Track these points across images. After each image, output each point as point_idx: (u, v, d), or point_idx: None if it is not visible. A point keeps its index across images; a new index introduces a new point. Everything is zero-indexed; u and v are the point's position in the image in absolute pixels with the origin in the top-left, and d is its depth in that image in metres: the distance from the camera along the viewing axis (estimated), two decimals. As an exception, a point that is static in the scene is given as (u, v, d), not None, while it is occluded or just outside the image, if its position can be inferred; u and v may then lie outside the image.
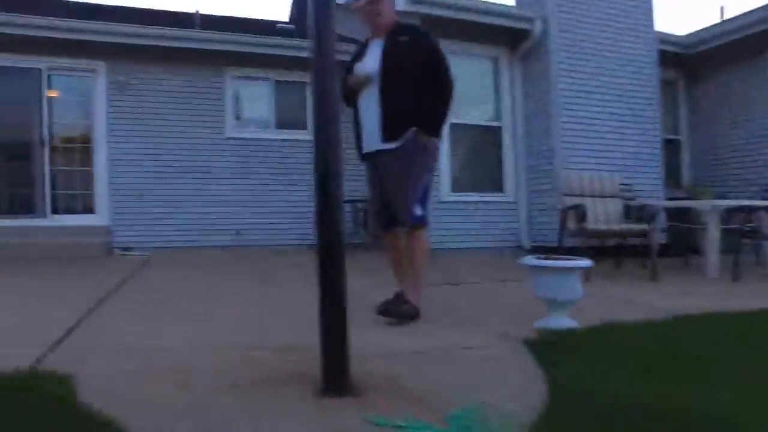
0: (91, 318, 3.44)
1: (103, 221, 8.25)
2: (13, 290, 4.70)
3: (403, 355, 2.75)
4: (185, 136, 8.57)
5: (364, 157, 3.75)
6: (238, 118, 8.91)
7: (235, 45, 8.51)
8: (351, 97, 3.67)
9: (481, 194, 8.23)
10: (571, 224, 6.06)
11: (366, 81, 3.54)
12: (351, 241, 7.86)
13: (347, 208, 8.43)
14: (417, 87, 3.47)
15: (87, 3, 10.62)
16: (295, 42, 8.77)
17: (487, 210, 8.16)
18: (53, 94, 8.28)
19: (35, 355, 2.52)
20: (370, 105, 3.56)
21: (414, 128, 3.45)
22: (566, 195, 6.42)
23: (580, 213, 5.85)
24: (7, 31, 7.60)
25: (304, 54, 8.78)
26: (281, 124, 9.11)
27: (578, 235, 5.89)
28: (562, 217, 6.18)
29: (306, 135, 9.09)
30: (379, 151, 3.56)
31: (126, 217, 8.33)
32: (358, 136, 3.71)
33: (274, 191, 8.87)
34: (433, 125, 3.56)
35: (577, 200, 6.23)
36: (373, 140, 3.57)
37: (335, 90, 2.26)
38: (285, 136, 9.04)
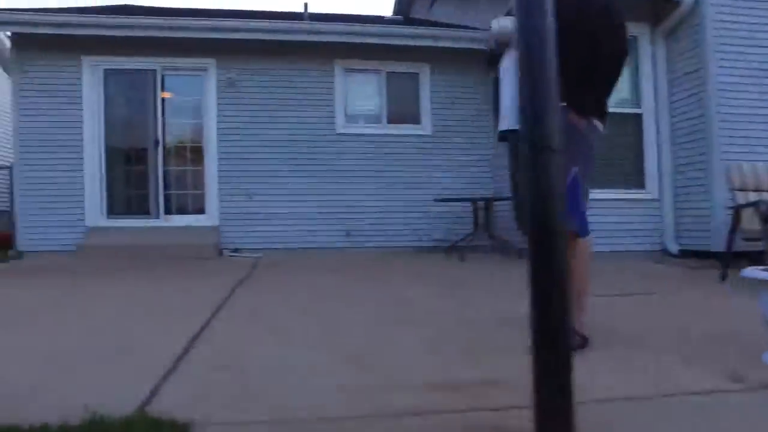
0: (207, 335, 3.00)
1: (213, 221, 8.10)
2: (121, 296, 4.44)
3: (613, 401, 2.04)
4: (294, 134, 8.26)
5: (502, 137, 3.09)
6: (348, 113, 8.47)
7: (345, 36, 8.07)
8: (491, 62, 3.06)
9: (616, 191, 7.24)
10: (747, 224, 5.04)
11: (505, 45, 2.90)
12: (474, 243, 7.27)
13: (465, 207, 7.77)
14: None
15: (192, 8, 10.66)
16: (408, 30, 8.23)
17: (624, 209, 7.18)
18: (167, 94, 8.24)
19: (146, 389, 2.06)
20: (509, 75, 2.91)
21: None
22: (737, 190, 5.39)
23: (764, 211, 4.81)
24: (127, 33, 7.63)
25: (418, 42, 8.48)
26: (393, 119, 8.58)
27: (761, 238, 4.86)
28: (735, 216, 5.16)
29: (419, 130, 8.55)
30: (516, 131, 2.86)
31: (235, 217, 8.13)
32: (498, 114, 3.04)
33: (386, 190, 8.35)
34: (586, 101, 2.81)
35: (752, 196, 5.19)
36: (512, 117, 2.89)
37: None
38: (397, 131, 8.50)
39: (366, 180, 8.33)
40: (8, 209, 7.97)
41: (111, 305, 3.97)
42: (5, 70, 8.07)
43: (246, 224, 8.11)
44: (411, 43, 8.12)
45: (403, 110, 8.61)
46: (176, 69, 8.23)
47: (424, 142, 8.48)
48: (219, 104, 8.16)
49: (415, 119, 8.51)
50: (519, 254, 6.92)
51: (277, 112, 8.23)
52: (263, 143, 8.20)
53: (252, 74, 8.23)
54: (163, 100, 8.18)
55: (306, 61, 8.32)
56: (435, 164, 8.46)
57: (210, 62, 8.17)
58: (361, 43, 8.10)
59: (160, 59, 8.10)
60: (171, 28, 7.69)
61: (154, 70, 8.13)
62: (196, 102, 8.33)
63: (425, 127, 8.53)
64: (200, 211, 8.22)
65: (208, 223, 8.09)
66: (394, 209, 8.32)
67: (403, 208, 8.31)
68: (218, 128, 8.15)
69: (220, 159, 8.13)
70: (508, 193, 7.76)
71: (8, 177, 8.01)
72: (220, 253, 7.88)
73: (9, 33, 7.81)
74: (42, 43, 7.80)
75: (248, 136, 8.18)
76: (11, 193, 7.96)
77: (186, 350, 2.65)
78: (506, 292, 4.07)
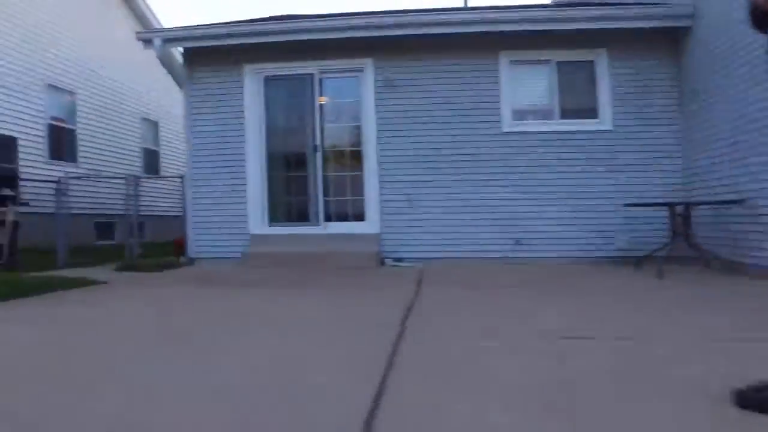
0: (395, 380, 2.43)
1: (373, 229, 7.76)
2: (293, 317, 4.09)
3: None
4: (456, 134, 7.67)
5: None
6: (515, 109, 7.69)
7: (510, 24, 7.32)
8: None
9: None
10: None
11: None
12: (671, 254, 6.17)
13: (656, 213, 6.70)
14: None
15: (345, 12, 10.49)
16: (581, 13, 7.26)
17: None
18: (323, 99, 8.06)
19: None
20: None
21: None
22: None
23: None
24: (290, 38, 7.54)
25: (594, 25, 7.38)
26: (566, 113, 7.64)
27: None
28: None
29: (597, 124, 7.56)
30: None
31: (395, 224, 7.73)
32: None
33: (559, 193, 7.47)
34: None
35: None
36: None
37: None
38: (571, 127, 7.56)
39: (536, 182, 7.50)
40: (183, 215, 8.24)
41: (283, 328, 3.61)
42: (179, 84, 8.37)
43: (407, 232, 7.67)
44: (586, 26, 7.17)
45: (577, 103, 7.65)
46: (333, 71, 8.01)
47: (603, 138, 7.46)
48: (377, 105, 7.81)
49: (593, 113, 7.53)
50: (730, 267, 5.80)
51: (437, 112, 7.70)
52: (424, 145, 7.71)
53: (409, 72, 7.77)
54: (321, 104, 8.00)
55: (468, 55, 7.69)
56: (617, 163, 7.40)
57: (366, 62, 7.85)
58: (529, 30, 7.30)
59: (318, 63, 7.93)
60: (334, 29, 7.46)
61: (312, 74, 7.98)
62: (353, 104, 8.06)
63: (604, 120, 7.50)
64: (360, 218, 7.92)
65: (369, 231, 7.76)
66: (570, 215, 7.41)
67: (580, 213, 7.38)
68: (377, 130, 7.80)
69: (379, 163, 7.77)
70: (706, 195, 6.58)
71: (182, 185, 8.28)
72: (382, 263, 7.51)
73: (181, 49, 8.11)
74: (209, 55, 7.97)
75: (408, 138, 7.74)
76: (184, 201, 8.23)
77: (376, 403, 2.11)
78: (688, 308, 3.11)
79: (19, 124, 10.35)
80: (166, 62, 8.03)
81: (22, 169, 8.89)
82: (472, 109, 7.65)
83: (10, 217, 4.42)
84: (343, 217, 8.01)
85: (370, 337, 3.20)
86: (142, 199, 8.69)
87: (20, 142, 9.83)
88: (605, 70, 7.56)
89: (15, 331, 3.60)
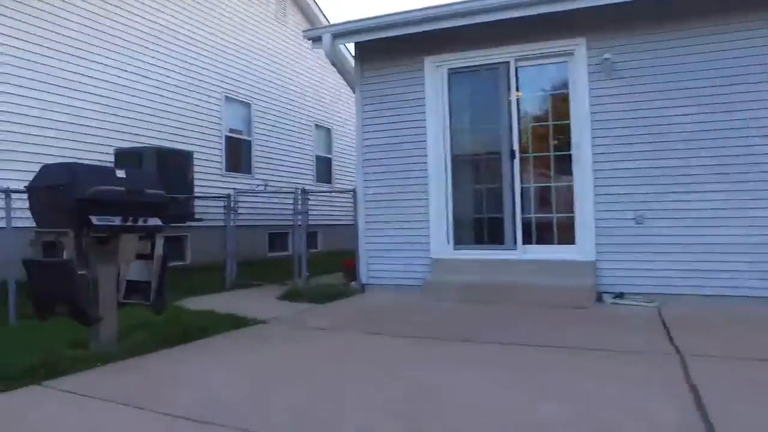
0: None
1: (586, 255, 6.04)
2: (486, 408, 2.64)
3: None
4: (700, 134, 5.67)
5: None
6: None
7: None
8: None
9: None
10: None
11: None
12: None
13: None
14: None
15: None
16: None
17: None
18: (520, 93, 6.52)
19: None
20: None
21: None
22: None
23: None
24: (479, 20, 6.14)
25: None
26: None
27: None
28: None
29: None
30: None
31: (617, 249, 5.93)
32: None
33: None
34: None
35: None
36: None
37: None
38: None
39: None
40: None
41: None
42: (351, 86, 7.43)
43: (633, 259, 5.84)
44: None
45: None
46: (533, 58, 6.44)
47: None
48: (592, 97, 6.07)
49: None
50: None
51: (679, 101, 5.75)
52: (656, 147, 5.82)
53: (637, 53, 5.93)
54: (517, 99, 6.47)
55: (722, 24, 5.64)
56: None
57: (577, 43, 6.15)
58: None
59: (514, 48, 6.41)
60: (540, 2, 5.86)
61: (507, 63, 6.48)
62: (558, 98, 6.42)
63: None
64: (568, 240, 6.24)
65: (579, 258, 6.06)
66: None
67: None
68: (592, 129, 6.07)
69: (595, 171, 6.03)
70: None
71: (353, 199, 7.30)
72: (599, 299, 5.78)
73: (352, 47, 7.15)
74: (383, 50, 6.89)
75: (633, 138, 5.90)
76: (355, 218, 7.22)
77: None
78: None
79: (198, 138, 10.25)
80: (336, 62, 7.09)
81: (197, 183, 8.58)
82: (722, 99, 5.57)
83: (158, 252, 3.53)
84: (545, 239, 6.40)
85: None
86: (314, 208, 7.89)
87: (198, 155, 9.66)
88: None
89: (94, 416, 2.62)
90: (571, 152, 6.24)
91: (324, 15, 13.80)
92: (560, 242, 6.32)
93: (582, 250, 6.10)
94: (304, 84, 13.44)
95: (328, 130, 14.53)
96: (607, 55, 5.94)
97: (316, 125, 13.99)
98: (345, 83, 7.92)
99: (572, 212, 6.23)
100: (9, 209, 5.18)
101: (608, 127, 6.01)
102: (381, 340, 4.31)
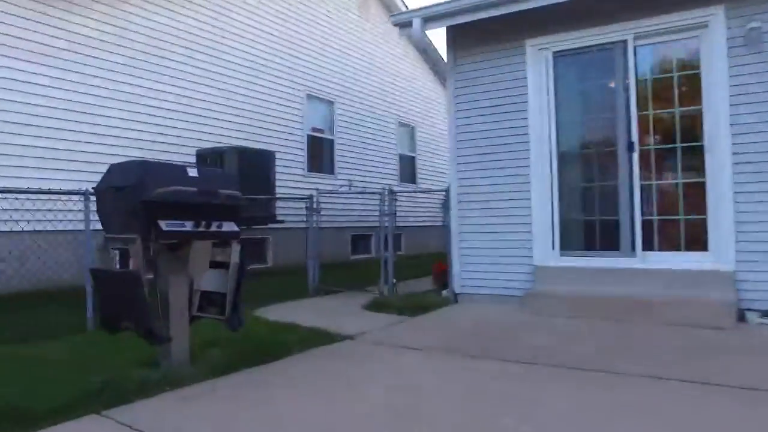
0: None
1: (722, 264, 5.09)
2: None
3: None
4: None
5: None
6: None
7: None
8: None
9: None
10: None
11: None
12: None
13: None
14: None
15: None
16: None
17: None
18: (640, 77, 5.64)
19: None
20: None
21: None
22: None
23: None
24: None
25: None
26: None
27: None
28: None
29: None
30: None
31: (762, 256, 4.96)
32: None
33: None
34: None
35: None
36: None
37: None
38: None
39: None
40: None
41: None
42: (439, 76, 6.81)
43: (785, 271, 4.85)
44: None
45: None
46: (655, 34, 5.54)
47: None
48: (732, 77, 5.11)
49: None
50: None
51: None
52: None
53: (787, 21, 4.93)
54: (636, 83, 5.61)
55: None
56: None
57: (713, 13, 5.21)
58: None
59: (631, 24, 5.55)
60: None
61: (624, 41, 5.63)
62: (688, 80, 5.50)
63: None
64: (698, 246, 5.31)
65: (714, 266, 5.12)
66: None
67: None
68: (731, 115, 5.11)
69: (735, 164, 5.07)
70: None
71: (445, 199, 6.68)
72: (741, 317, 4.84)
73: (436, 36, 6.51)
74: (477, 34, 6.22)
75: (787, 124, 4.91)
76: (446, 219, 6.60)
77: None
78: None
79: (280, 138, 9.99)
80: (427, 48, 6.50)
81: (279, 183, 8.27)
82: None
83: (234, 259, 3.06)
84: (671, 245, 5.49)
85: None
86: (399, 209, 7.37)
87: (279, 155, 9.37)
88: None
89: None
90: (702, 143, 5.30)
91: (405, 6, 13.26)
92: (688, 248, 5.39)
93: (717, 257, 5.16)
94: (386, 80, 12.94)
95: (412, 128, 13.95)
96: (754, 24, 4.97)
97: (400, 123, 13.45)
98: (429, 77, 7.33)
99: (704, 213, 5.29)
100: (88, 211, 4.99)
101: (752, 111, 5.03)
102: (500, 371, 3.60)
